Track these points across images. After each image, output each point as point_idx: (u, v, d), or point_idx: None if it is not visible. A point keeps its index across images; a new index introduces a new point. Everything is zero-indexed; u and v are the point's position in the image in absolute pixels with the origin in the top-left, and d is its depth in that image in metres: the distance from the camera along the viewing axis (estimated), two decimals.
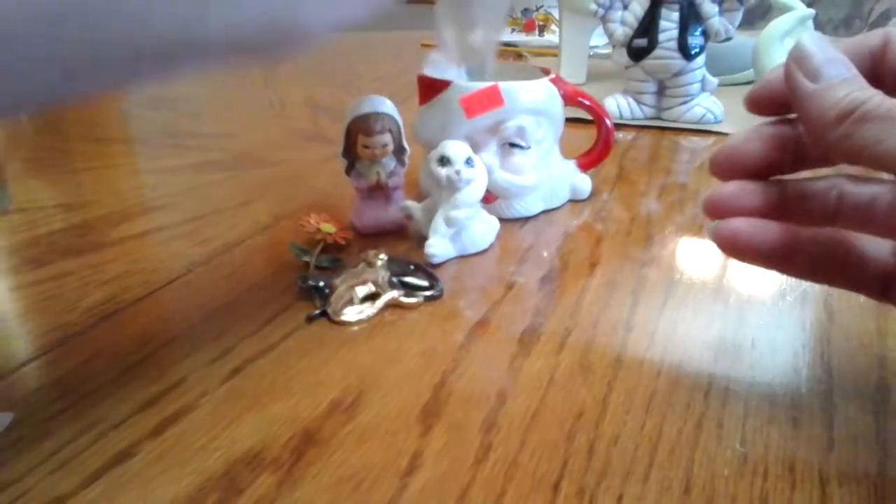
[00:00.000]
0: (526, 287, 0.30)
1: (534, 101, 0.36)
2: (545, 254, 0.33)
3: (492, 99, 0.35)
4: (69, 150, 0.51)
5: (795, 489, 0.19)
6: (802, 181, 0.21)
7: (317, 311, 0.27)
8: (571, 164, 0.40)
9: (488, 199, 0.35)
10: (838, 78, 0.18)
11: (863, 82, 0.18)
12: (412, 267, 0.30)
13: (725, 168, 0.21)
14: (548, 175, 0.37)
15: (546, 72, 0.39)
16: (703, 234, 0.35)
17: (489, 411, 0.22)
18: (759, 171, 0.21)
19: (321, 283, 0.28)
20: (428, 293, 0.29)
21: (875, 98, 0.17)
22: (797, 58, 0.19)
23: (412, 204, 0.34)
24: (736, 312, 0.27)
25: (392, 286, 0.28)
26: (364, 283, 0.28)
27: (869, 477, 0.19)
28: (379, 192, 0.35)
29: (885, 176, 0.21)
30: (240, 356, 0.25)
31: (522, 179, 0.36)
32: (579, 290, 0.29)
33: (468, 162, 0.31)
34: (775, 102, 0.21)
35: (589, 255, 0.33)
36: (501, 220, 0.35)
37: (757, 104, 0.21)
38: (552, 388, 0.23)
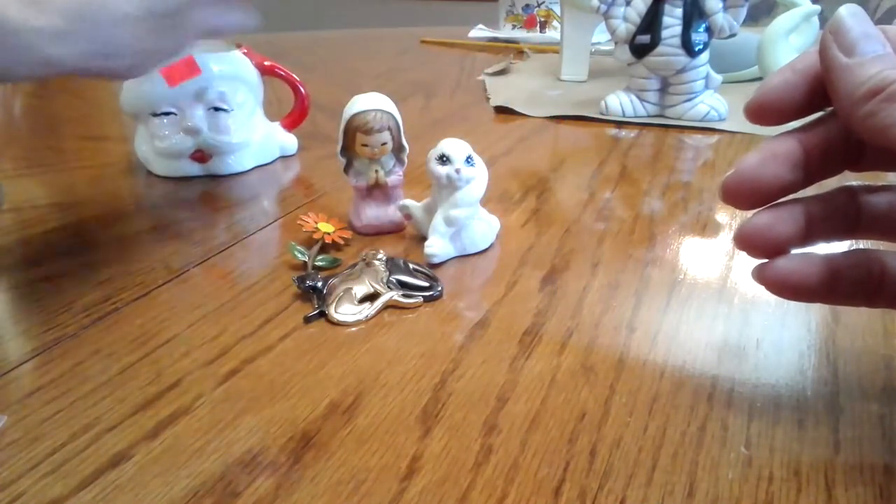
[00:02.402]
0: (527, 287, 0.29)
1: (228, 69, 0.42)
2: (546, 253, 0.33)
3: (190, 68, 0.40)
4: (63, 149, 0.50)
5: (801, 492, 0.18)
6: (819, 198, 0.21)
7: (315, 312, 0.27)
8: (277, 125, 0.47)
9: (203, 158, 0.42)
10: (872, 54, 0.18)
11: None
12: (411, 267, 0.30)
13: (742, 196, 0.20)
14: (254, 134, 0.44)
15: (239, 45, 0.45)
16: (706, 234, 0.35)
17: (490, 413, 0.21)
18: (776, 195, 0.20)
19: (319, 284, 0.28)
20: (427, 293, 0.28)
21: None
22: (834, 30, 0.19)
23: (411, 203, 0.34)
24: (740, 313, 0.27)
25: (391, 286, 0.28)
26: (363, 283, 0.28)
27: (875, 479, 0.19)
28: (378, 191, 0.35)
29: (893, 178, 0.21)
30: (237, 357, 0.24)
31: (229, 138, 0.42)
32: (581, 290, 0.29)
33: (468, 160, 0.31)
34: (779, 111, 0.20)
35: (591, 254, 0.32)
36: (218, 176, 0.42)
37: (759, 114, 0.20)
38: (553, 390, 0.23)
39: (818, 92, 0.20)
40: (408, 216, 0.34)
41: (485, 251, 0.33)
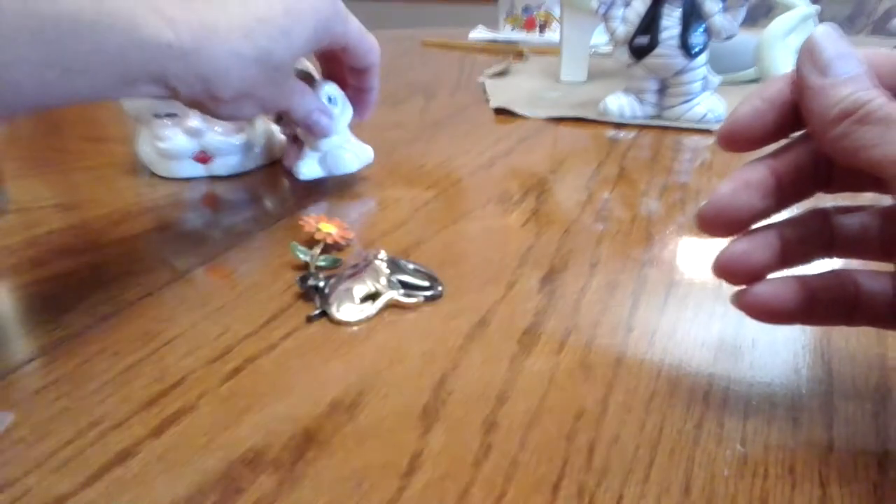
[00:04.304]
0: (526, 287, 0.30)
1: None
2: (545, 254, 0.33)
3: None
4: (67, 150, 0.51)
5: (796, 489, 0.19)
6: (793, 221, 0.21)
7: (316, 311, 0.27)
8: (274, 127, 0.46)
9: (205, 159, 0.43)
10: (846, 75, 0.18)
11: (869, 82, 0.18)
12: (412, 267, 0.30)
13: (718, 226, 0.21)
14: (256, 135, 0.44)
15: None
16: (703, 235, 0.35)
17: (489, 411, 0.22)
18: (750, 222, 0.21)
19: (321, 283, 0.28)
20: (428, 293, 0.29)
21: (878, 100, 0.17)
22: (809, 50, 0.19)
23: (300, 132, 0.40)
24: (736, 313, 0.27)
25: (392, 286, 0.28)
26: (364, 282, 0.28)
27: (869, 476, 0.19)
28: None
29: (866, 197, 0.22)
30: (240, 356, 0.25)
31: (232, 139, 0.43)
32: (580, 290, 0.29)
33: (330, 100, 0.38)
34: (748, 139, 0.21)
35: (590, 254, 0.33)
36: (220, 177, 0.43)
37: (730, 142, 0.21)
38: (552, 389, 0.23)
39: (787, 118, 0.20)
40: (299, 147, 0.41)
41: (484, 251, 0.33)
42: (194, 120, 0.41)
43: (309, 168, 0.39)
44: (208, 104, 0.30)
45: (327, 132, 0.38)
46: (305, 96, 0.36)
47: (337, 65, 0.40)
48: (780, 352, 0.25)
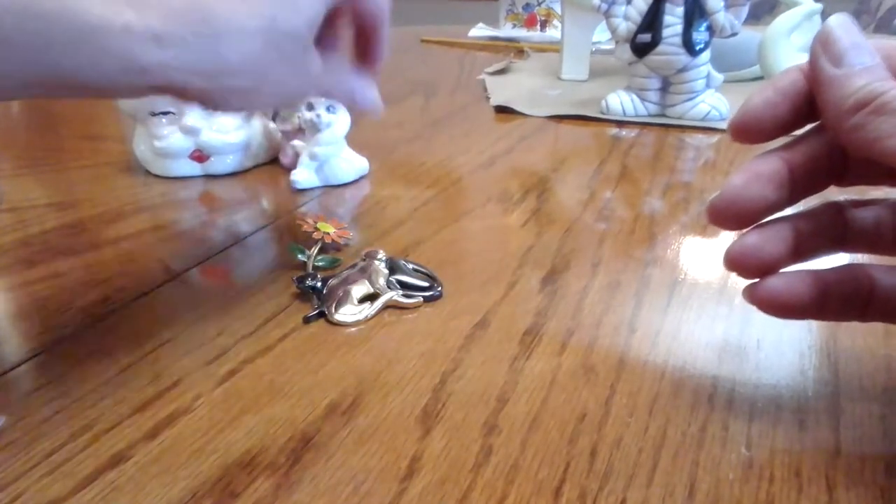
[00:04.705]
0: (527, 287, 0.29)
1: None
2: (546, 253, 0.33)
3: None
4: (63, 148, 0.50)
5: (802, 493, 0.18)
6: (806, 214, 0.21)
7: (314, 312, 0.27)
8: (272, 125, 0.46)
9: (201, 158, 0.42)
10: (861, 66, 0.18)
11: (884, 73, 0.18)
12: (411, 267, 0.30)
13: (729, 218, 0.20)
14: (253, 134, 0.44)
15: None
16: (707, 234, 0.35)
17: (490, 413, 0.21)
18: (762, 214, 0.20)
19: (319, 284, 0.28)
20: (427, 294, 0.28)
21: (893, 91, 0.17)
22: (823, 40, 0.19)
23: (298, 143, 0.42)
24: (741, 313, 0.27)
25: (391, 287, 0.28)
26: (362, 283, 0.28)
27: (877, 480, 0.19)
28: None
29: (877, 193, 0.21)
30: (236, 357, 0.24)
31: (228, 137, 0.42)
32: (581, 290, 0.29)
33: (329, 109, 0.39)
34: (761, 130, 0.20)
35: (591, 254, 0.32)
36: (217, 175, 0.43)
37: (742, 134, 0.20)
38: (554, 390, 0.22)
39: (800, 110, 0.20)
40: (297, 154, 0.42)
41: (484, 251, 0.33)
42: (191, 118, 0.41)
43: (305, 177, 0.40)
44: (218, 98, 0.24)
45: (377, 108, 0.31)
46: (341, 73, 0.29)
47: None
48: (785, 353, 0.24)
